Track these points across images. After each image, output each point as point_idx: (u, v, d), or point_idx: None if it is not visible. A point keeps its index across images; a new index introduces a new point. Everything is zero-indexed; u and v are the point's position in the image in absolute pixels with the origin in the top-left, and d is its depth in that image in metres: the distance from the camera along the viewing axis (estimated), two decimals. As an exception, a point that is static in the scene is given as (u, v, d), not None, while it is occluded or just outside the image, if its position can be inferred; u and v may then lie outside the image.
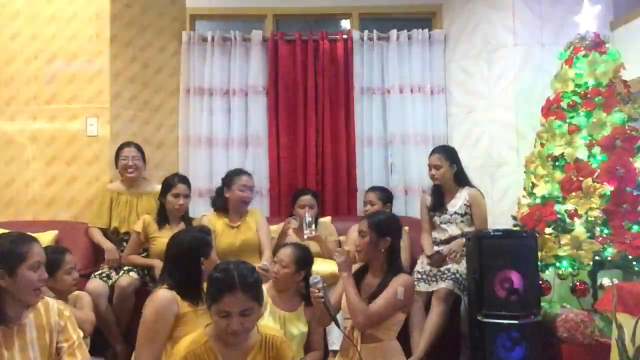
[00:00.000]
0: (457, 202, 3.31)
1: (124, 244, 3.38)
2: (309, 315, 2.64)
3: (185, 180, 3.32)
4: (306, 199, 3.46)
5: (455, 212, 3.29)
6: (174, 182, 3.25)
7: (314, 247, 3.20)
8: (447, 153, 3.37)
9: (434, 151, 3.42)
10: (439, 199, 3.37)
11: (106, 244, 3.32)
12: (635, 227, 2.89)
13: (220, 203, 3.32)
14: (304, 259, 2.66)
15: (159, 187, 3.53)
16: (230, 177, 3.30)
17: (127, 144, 3.51)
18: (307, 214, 3.25)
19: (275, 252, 2.97)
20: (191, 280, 2.17)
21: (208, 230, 2.36)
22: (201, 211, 3.80)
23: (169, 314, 2.06)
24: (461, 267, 3.04)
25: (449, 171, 3.32)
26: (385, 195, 3.56)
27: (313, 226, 3.23)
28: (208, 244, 2.26)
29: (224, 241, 3.15)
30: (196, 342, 1.86)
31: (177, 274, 2.17)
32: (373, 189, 3.63)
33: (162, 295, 2.10)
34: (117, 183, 3.54)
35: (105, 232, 3.44)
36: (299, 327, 2.59)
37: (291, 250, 2.66)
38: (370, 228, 2.43)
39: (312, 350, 2.66)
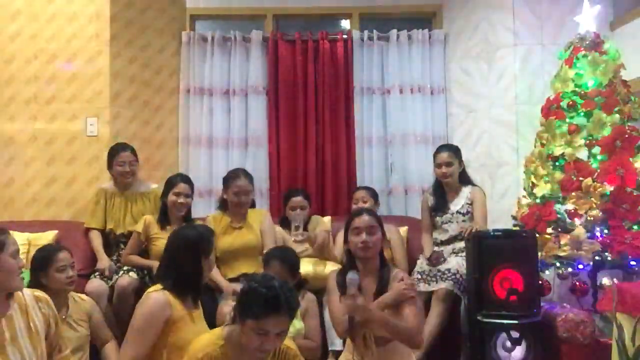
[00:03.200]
0: (460, 200, 3.32)
1: (121, 245, 3.37)
2: (303, 308, 2.64)
3: (187, 180, 3.31)
4: (297, 200, 3.44)
5: (458, 212, 3.30)
6: (176, 181, 3.25)
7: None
8: (456, 151, 3.39)
9: (442, 149, 3.41)
10: (441, 198, 3.37)
11: (100, 254, 3.30)
12: (635, 227, 2.88)
13: (222, 203, 3.32)
14: (293, 266, 2.66)
15: (153, 186, 3.54)
16: (227, 179, 3.28)
17: (123, 148, 3.44)
18: (296, 217, 3.22)
19: None
20: (190, 278, 2.13)
21: (212, 231, 2.34)
22: (201, 211, 3.81)
23: (158, 319, 2.01)
24: (461, 267, 3.04)
25: (458, 169, 3.34)
26: (375, 193, 3.58)
27: (301, 229, 3.17)
28: (211, 243, 2.23)
29: (224, 241, 3.14)
30: (213, 344, 1.84)
31: (176, 270, 2.12)
32: (363, 187, 3.63)
33: (155, 298, 2.05)
34: (110, 184, 3.51)
35: (103, 234, 3.43)
36: (294, 324, 2.59)
37: (279, 265, 2.61)
38: (379, 224, 2.38)
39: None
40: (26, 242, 3.27)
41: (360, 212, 2.43)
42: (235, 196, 3.20)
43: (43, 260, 2.53)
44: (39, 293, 2.00)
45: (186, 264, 2.13)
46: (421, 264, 3.28)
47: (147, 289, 2.25)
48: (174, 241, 2.21)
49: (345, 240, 2.42)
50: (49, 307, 1.98)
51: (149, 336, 2.00)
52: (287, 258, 2.69)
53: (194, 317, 2.12)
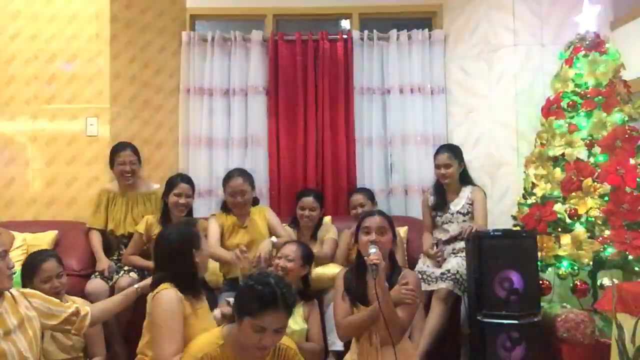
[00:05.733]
0: (460, 201, 3.32)
1: (122, 246, 3.38)
2: (307, 312, 2.66)
3: (188, 180, 3.31)
4: (308, 200, 3.44)
5: (458, 212, 3.30)
6: (177, 181, 3.26)
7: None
8: (456, 152, 3.39)
9: (442, 150, 3.41)
10: (442, 197, 3.38)
11: (99, 255, 3.30)
12: (635, 227, 2.88)
13: (224, 204, 3.30)
14: (308, 255, 2.72)
15: (155, 187, 3.55)
16: (224, 180, 3.27)
17: (123, 147, 3.44)
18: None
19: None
20: (188, 274, 2.13)
21: (194, 222, 2.35)
22: (201, 211, 3.81)
23: (179, 311, 2.03)
24: (461, 267, 3.04)
25: (457, 170, 3.34)
26: (372, 194, 3.60)
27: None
28: (196, 235, 2.23)
29: (233, 241, 3.13)
30: (212, 344, 1.84)
31: (171, 271, 2.12)
32: (359, 190, 3.65)
33: (168, 294, 2.05)
34: (114, 183, 3.52)
35: (104, 234, 3.43)
36: (298, 323, 2.61)
37: (296, 246, 2.73)
38: (390, 225, 2.39)
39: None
40: (23, 243, 3.27)
41: (372, 213, 2.45)
42: (230, 197, 3.19)
43: (28, 269, 2.53)
44: (25, 290, 2.06)
45: (179, 264, 2.13)
46: (422, 264, 3.28)
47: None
48: (160, 247, 2.20)
49: (356, 240, 2.44)
50: (41, 299, 2.04)
51: (179, 329, 2.00)
52: (304, 244, 2.80)
53: (198, 314, 2.13)
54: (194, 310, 2.11)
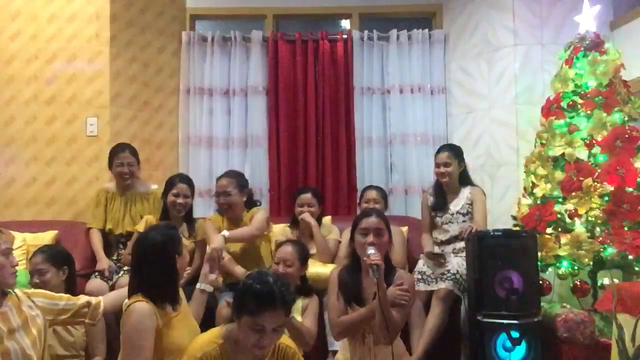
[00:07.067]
0: (460, 201, 3.31)
1: (120, 245, 3.38)
2: (305, 306, 2.67)
3: (186, 180, 3.30)
4: (305, 197, 3.43)
5: (458, 212, 3.29)
6: (175, 181, 3.25)
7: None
8: (456, 151, 3.38)
9: (442, 149, 3.40)
10: (441, 198, 3.37)
11: (99, 254, 3.30)
12: (635, 227, 2.88)
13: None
14: (304, 254, 2.70)
15: (153, 187, 3.56)
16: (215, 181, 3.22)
17: (122, 148, 3.45)
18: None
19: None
20: (167, 280, 2.04)
21: (174, 226, 2.26)
22: (201, 211, 3.81)
23: (150, 327, 1.93)
24: (461, 267, 3.04)
25: (457, 170, 3.33)
26: (385, 194, 3.57)
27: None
28: (179, 240, 2.15)
29: (227, 247, 3.08)
30: (211, 344, 1.84)
31: (151, 276, 2.01)
32: (373, 187, 3.61)
33: (140, 308, 1.94)
34: (112, 184, 3.53)
35: (103, 234, 3.43)
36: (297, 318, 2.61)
37: (291, 247, 2.68)
38: (387, 227, 2.37)
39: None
40: (23, 243, 3.27)
41: (369, 213, 2.41)
42: (215, 196, 3.16)
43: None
44: (28, 290, 2.06)
45: (161, 269, 2.03)
46: (421, 264, 3.28)
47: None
48: (141, 249, 2.08)
49: (351, 239, 2.41)
50: (45, 296, 2.04)
51: (146, 346, 1.91)
52: (298, 243, 2.77)
53: (179, 319, 2.06)
54: (169, 320, 2.01)
